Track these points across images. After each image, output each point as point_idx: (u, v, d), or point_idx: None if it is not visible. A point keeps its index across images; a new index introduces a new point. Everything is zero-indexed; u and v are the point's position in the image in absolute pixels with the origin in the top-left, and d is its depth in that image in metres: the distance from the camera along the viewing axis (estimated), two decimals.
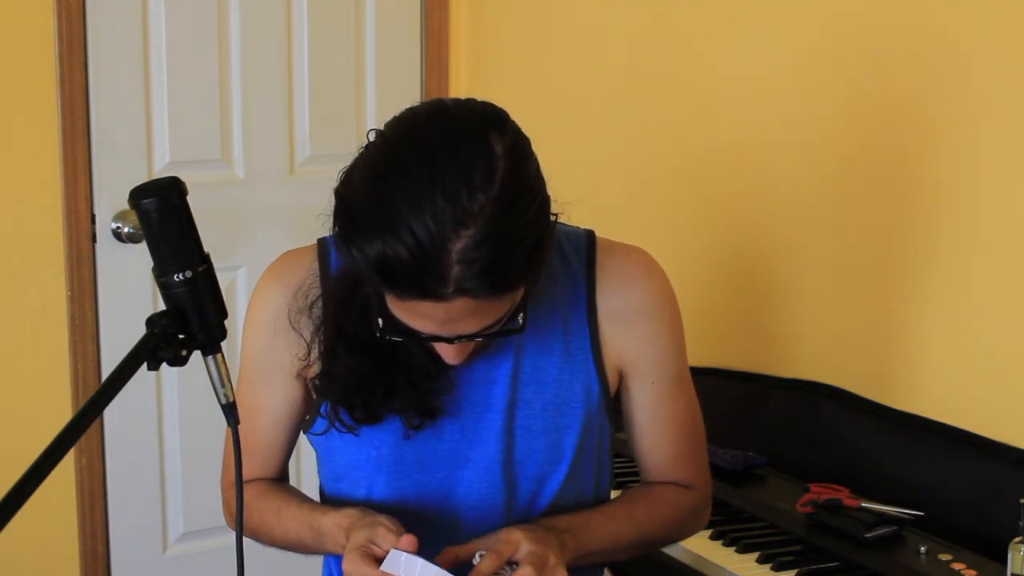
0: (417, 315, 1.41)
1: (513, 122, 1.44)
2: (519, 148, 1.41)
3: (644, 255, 1.70)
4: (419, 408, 1.59)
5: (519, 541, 1.53)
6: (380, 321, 1.47)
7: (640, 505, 1.71)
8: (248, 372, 1.71)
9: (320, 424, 1.66)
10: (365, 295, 1.52)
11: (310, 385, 1.66)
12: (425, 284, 1.35)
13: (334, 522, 1.60)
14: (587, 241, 1.67)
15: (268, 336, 1.66)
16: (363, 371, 1.58)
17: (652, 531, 1.72)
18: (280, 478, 1.78)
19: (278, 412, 1.70)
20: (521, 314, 1.47)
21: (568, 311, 1.64)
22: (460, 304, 1.38)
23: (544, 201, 1.43)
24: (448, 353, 1.51)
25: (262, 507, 1.70)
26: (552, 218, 1.46)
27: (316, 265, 1.65)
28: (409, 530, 1.54)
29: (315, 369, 1.63)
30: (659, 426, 1.72)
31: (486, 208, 1.35)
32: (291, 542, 1.69)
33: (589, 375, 1.65)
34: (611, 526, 1.67)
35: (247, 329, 1.69)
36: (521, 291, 1.45)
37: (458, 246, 1.34)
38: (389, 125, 1.44)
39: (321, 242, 1.66)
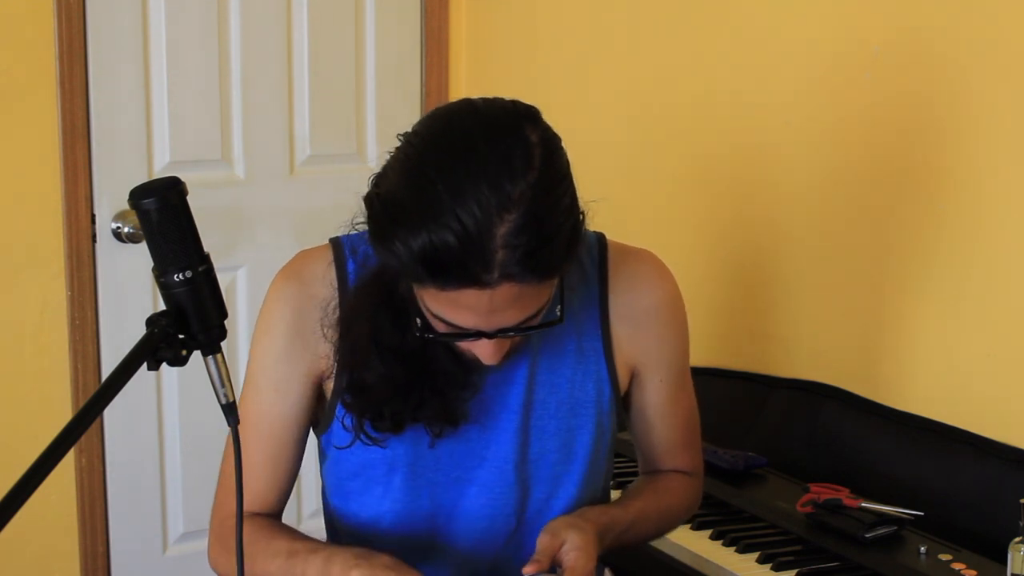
0: (460, 307, 1.40)
1: (543, 119, 1.46)
2: (551, 140, 1.43)
3: (655, 259, 1.73)
4: (445, 416, 1.59)
5: (567, 535, 1.55)
6: (418, 321, 1.46)
7: (653, 495, 1.76)
8: (258, 380, 1.64)
9: (342, 437, 1.63)
10: (400, 299, 1.50)
11: (327, 395, 1.64)
12: (470, 270, 1.35)
13: (318, 572, 1.53)
14: (598, 245, 1.69)
15: (285, 343, 1.62)
16: (396, 381, 1.56)
17: (665, 519, 1.79)
18: (278, 510, 1.69)
19: (290, 418, 1.64)
20: (559, 305, 1.48)
21: (581, 313, 1.65)
22: (503, 291, 1.37)
23: (575, 194, 1.45)
24: (486, 352, 1.48)
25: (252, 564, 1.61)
26: (580, 212, 1.47)
27: (333, 269, 1.62)
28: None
29: (334, 378, 1.61)
30: (667, 420, 1.77)
31: (527, 193, 1.36)
32: None
33: (601, 376, 1.67)
34: (630, 516, 1.69)
35: (260, 334, 1.63)
36: (556, 281, 1.46)
37: (502, 231, 1.34)
38: (421, 123, 1.45)
39: (335, 242, 1.64)
